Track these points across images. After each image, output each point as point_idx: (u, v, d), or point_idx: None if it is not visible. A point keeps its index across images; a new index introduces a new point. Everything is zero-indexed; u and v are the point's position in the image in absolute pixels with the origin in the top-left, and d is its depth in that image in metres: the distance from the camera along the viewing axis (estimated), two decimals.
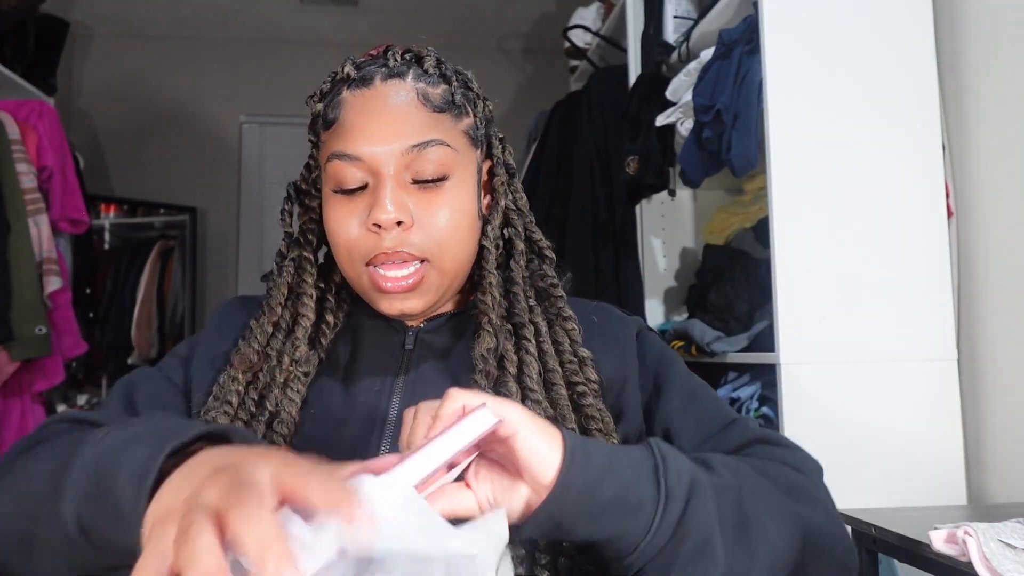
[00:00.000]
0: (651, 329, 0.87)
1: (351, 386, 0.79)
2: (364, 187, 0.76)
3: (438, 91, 0.78)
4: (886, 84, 1.56)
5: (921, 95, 1.57)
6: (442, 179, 0.76)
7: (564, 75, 3.29)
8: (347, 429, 0.76)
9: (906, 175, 1.54)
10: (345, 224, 0.76)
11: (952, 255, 1.56)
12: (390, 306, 0.77)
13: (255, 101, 3.96)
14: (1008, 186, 1.48)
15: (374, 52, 0.82)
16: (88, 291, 3.25)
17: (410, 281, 0.75)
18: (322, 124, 0.80)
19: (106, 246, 3.89)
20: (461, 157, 0.78)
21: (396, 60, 0.79)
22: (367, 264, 0.76)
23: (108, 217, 3.94)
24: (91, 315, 3.41)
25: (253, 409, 0.77)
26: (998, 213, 1.50)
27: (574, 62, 3.11)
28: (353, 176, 0.75)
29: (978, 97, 1.55)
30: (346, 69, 0.79)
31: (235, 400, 0.76)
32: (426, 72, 0.79)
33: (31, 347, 2.42)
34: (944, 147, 1.58)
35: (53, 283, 2.54)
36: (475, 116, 0.82)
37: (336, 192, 0.77)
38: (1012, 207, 1.47)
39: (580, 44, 2.97)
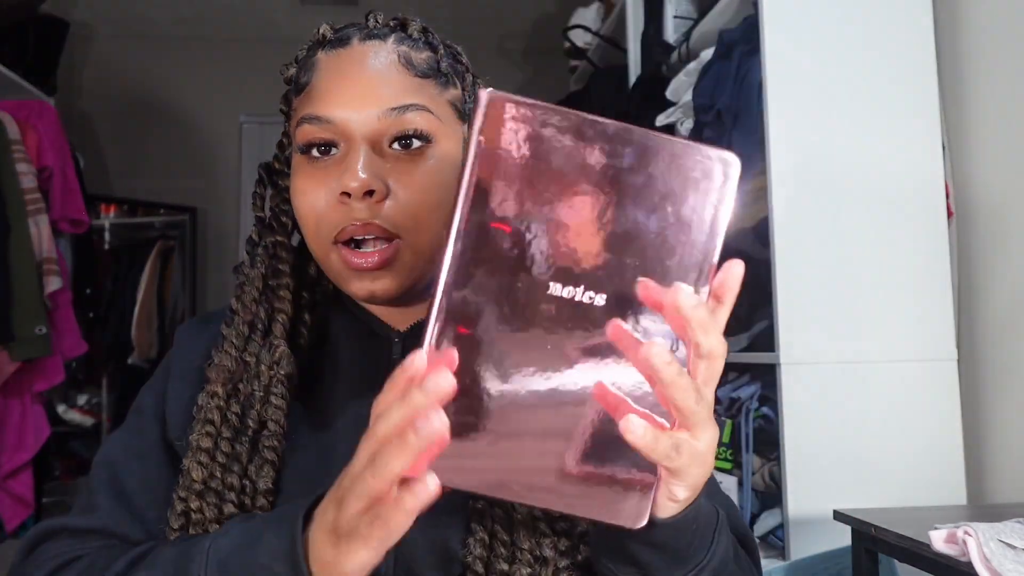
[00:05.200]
0: None
1: (335, 406, 0.72)
2: (335, 153, 0.69)
3: (422, 56, 0.71)
4: (886, 84, 1.56)
5: (921, 95, 1.57)
6: (422, 144, 0.68)
7: (564, 75, 3.29)
8: (334, 453, 0.69)
9: (906, 175, 1.55)
10: (312, 195, 0.68)
11: (952, 255, 1.56)
12: (360, 287, 0.68)
13: (255, 101, 3.96)
14: (1008, 186, 1.48)
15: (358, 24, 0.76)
16: (88, 291, 3.26)
17: (375, 259, 0.67)
18: (294, 89, 0.73)
19: (106, 246, 3.90)
20: (445, 128, 0.70)
21: (377, 22, 0.73)
22: (335, 242, 0.68)
23: (108, 217, 3.95)
24: (91, 315, 3.42)
25: (237, 425, 0.69)
26: (998, 213, 1.50)
27: (574, 62, 3.11)
28: (322, 140, 0.68)
29: (978, 97, 1.55)
30: (322, 30, 0.73)
31: (217, 417, 0.69)
32: (410, 36, 0.72)
33: (31, 347, 2.42)
34: (944, 147, 1.58)
35: (53, 283, 2.54)
36: (463, 89, 0.74)
37: (303, 153, 0.70)
38: (1012, 207, 1.47)
39: (580, 44, 2.98)
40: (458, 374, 0.43)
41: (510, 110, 0.43)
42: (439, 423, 0.42)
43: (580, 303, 0.44)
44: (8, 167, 2.47)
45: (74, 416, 3.65)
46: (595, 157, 0.43)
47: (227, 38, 4.00)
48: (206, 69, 4.00)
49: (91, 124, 3.91)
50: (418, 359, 0.44)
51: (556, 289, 0.44)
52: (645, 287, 0.44)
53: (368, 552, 0.48)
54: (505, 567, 0.63)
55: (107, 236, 3.92)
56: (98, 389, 3.74)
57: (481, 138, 0.43)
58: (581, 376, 0.45)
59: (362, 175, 0.65)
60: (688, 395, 0.44)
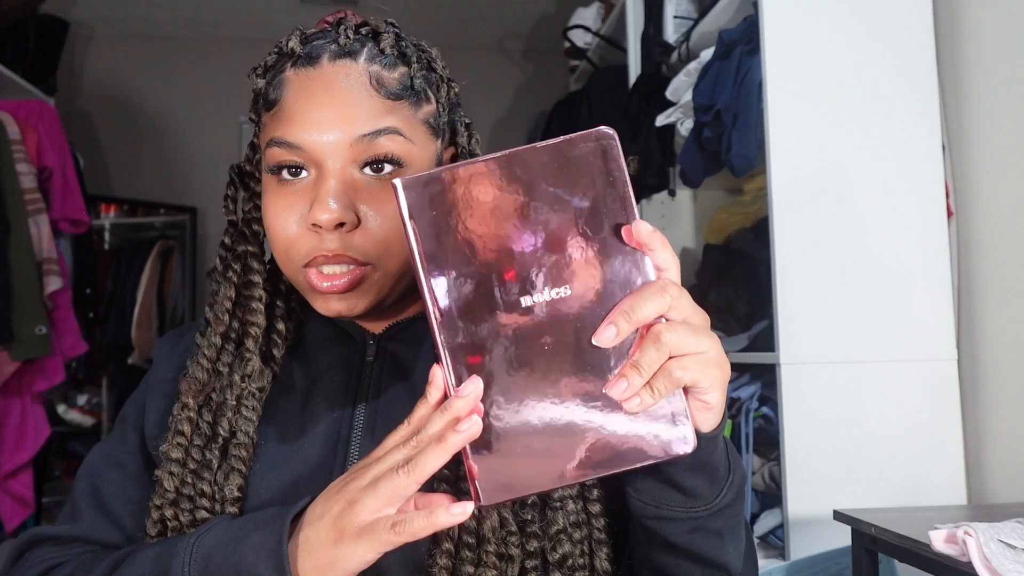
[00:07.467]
0: None
1: (307, 411, 0.73)
2: (305, 177, 0.68)
3: (394, 75, 0.69)
4: (886, 84, 1.56)
5: (921, 95, 1.57)
6: (395, 168, 0.68)
7: (564, 75, 3.29)
8: (304, 457, 0.70)
9: (906, 175, 1.55)
10: (283, 219, 0.68)
11: (952, 255, 1.56)
12: (326, 307, 0.69)
13: None
14: (1008, 186, 1.48)
15: (330, 19, 0.73)
16: (88, 291, 3.25)
17: (343, 281, 0.67)
18: (263, 104, 0.71)
19: (106, 246, 3.90)
20: (419, 150, 0.70)
21: (348, 37, 0.70)
22: (305, 265, 0.68)
23: (108, 217, 3.95)
24: (91, 315, 3.41)
25: (209, 433, 0.70)
26: (998, 213, 1.50)
27: (574, 62, 3.11)
28: (292, 163, 0.68)
29: (978, 97, 1.55)
30: (291, 43, 0.70)
31: (187, 428, 0.70)
32: (382, 52, 0.70)
33: (31, 347, 2.42)
34: (944, 147, 1.58)
35: (53, 283, 2.54)
36: (437, 102, 0.73)
37: (272, 173, 0.69)
38: (1012, 207, 1.47)
39: (580, 44, 2.98)
40: (484, 394, 0.51)
41: (420, 187, 0.51)
42: (478, 424, 0.49)
43: (551, 301, 0.51)
44: (8, 167, 2.47)
45: (74, 416, 3.65)
46: (503, 185, 0.51)
47: (227, 38, 4.00)
48: (206, 69, 4.00)
49: (91, 124, 3.91)
50: (439, 375, 0.51)
51: (527, 300, 0.51)
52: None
53: (374, 553, 0.51)
54: (471, 569, 0.63)
55: (107, 236, 3.92)
56: (98, 389, 3.74)
57: (411, 221, 0.51)
58: (588, 352, 0.51)
59: (333, 207, 0.65)
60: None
